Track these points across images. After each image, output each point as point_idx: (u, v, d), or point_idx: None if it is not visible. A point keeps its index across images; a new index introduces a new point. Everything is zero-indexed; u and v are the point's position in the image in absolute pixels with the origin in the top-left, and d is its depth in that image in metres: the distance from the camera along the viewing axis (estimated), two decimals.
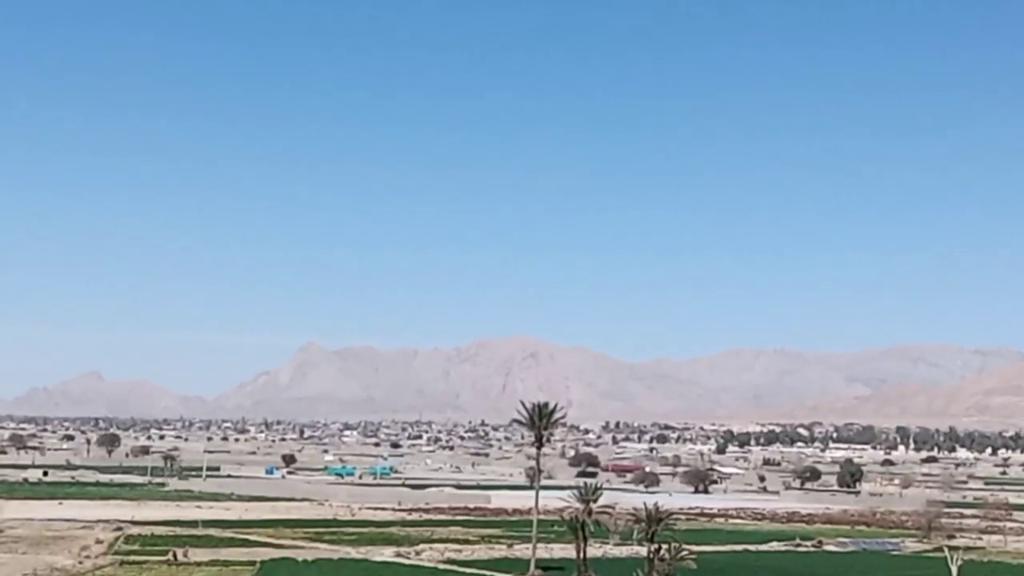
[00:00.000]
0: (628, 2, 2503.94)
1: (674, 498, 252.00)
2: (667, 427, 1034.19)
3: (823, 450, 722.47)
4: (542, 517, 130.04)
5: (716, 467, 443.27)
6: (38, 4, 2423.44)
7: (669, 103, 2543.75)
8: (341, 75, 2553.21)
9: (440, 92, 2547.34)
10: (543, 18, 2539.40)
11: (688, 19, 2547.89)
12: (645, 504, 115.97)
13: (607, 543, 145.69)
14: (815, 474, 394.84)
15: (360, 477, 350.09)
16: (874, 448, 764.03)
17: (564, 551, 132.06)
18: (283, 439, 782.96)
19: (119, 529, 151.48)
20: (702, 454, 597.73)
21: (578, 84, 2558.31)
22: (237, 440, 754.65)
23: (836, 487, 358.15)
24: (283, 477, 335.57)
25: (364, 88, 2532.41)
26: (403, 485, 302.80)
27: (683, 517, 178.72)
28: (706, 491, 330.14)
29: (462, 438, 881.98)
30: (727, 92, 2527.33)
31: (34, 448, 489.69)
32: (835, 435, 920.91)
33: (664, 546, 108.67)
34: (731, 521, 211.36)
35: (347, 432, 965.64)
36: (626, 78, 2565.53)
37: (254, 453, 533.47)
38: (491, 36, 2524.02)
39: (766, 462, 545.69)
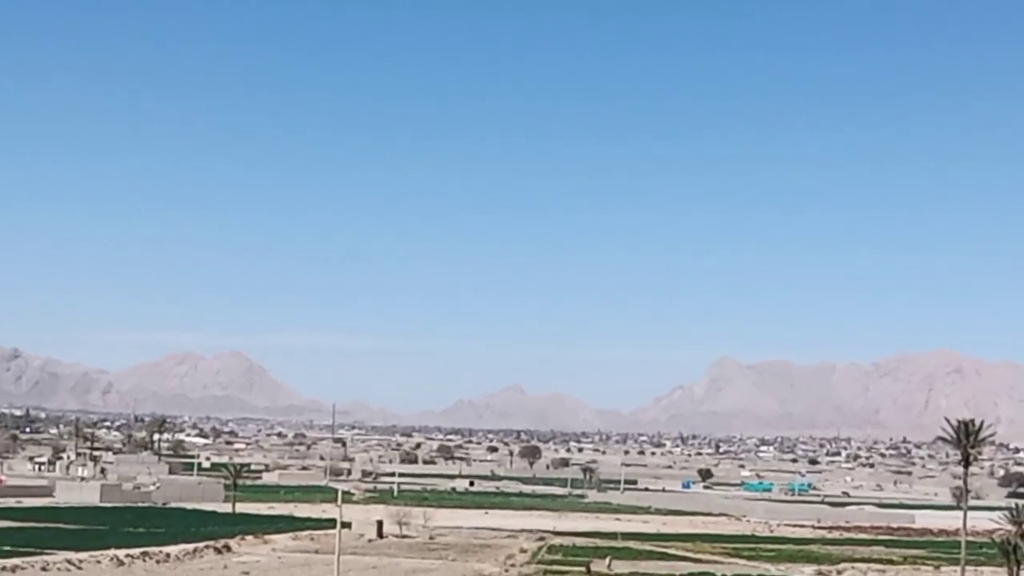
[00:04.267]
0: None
1: None
2: None
3: None
4: (971, 539, 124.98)
5: None
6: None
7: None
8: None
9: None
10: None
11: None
12: None
13: None
14: None
15: (779, 493, 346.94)
16: None
17: (994, 575, 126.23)
18: (698, 453, 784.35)
19: (541, 539, 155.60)
20: None
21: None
22: (653, 454, 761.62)
23: None
24: (703, 490, 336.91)
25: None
26: (822, 502, 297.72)
27: None
28: None
29: (883, 455, 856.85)
30: None
31: (460, 459, 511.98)
32: None
33: None
34: None
35: (763, 448, 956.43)
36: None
37: (670, 467, 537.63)
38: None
39: None
